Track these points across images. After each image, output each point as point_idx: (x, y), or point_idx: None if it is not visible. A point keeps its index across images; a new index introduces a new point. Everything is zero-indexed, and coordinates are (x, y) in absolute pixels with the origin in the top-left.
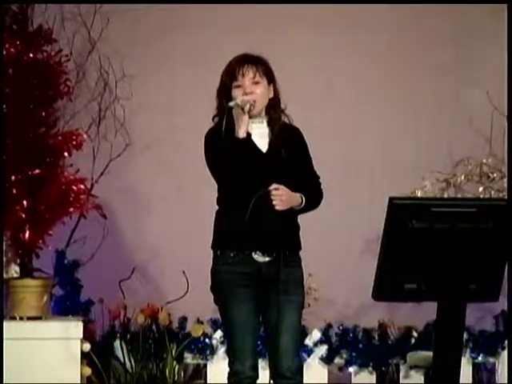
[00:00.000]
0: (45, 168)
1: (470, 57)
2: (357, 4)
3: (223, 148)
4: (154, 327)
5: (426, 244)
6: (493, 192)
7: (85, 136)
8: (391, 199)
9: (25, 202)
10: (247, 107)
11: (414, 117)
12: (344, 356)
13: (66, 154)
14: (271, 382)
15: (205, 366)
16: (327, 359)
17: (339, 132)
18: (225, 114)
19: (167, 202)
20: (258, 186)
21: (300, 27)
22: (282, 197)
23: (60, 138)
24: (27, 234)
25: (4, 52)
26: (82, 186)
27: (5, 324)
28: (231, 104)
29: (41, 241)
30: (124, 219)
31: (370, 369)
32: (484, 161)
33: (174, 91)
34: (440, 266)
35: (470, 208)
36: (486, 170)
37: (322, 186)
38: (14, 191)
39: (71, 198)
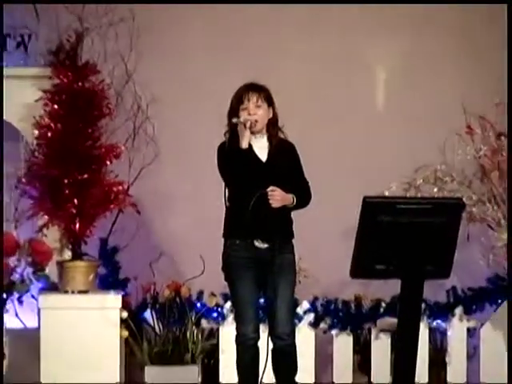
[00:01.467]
0: (91, 173)
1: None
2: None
3: (230, 156)
4: (177, 299)
5: (392, 234)
6: (445, 192)
7: (122, 148)
8: (365, 198)
9: (75, 201)
10: (248, 124)
11: (386, 131)
12: (327, 322)
13: (107, 162)
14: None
15: (217, 329)
16: (314, 324)
17: (326, 144)
18: (229, 129)
19: (187, 201)
20: (258, 188)
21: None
22: (277, 197)
23: (103, 149)
24: (77, 226)
25: (58, 81)
26: (120, 188)
27: (59, 296)
28: (234, 120)
29: (88, 231)
30: (153, 214)
31: (348, 332)
32: (438, 167)
33: (193, 113)
34: (403, 251)
35: (427, 205)
36: (440, 175)
37: (310, 189)
38: (67, 192)
39: (112, 197)
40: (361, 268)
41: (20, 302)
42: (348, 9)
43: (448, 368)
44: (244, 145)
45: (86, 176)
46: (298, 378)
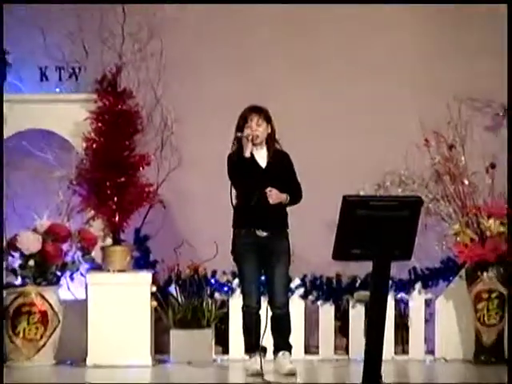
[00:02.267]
0: (127, 177)
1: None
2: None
3: (236, 163)
4: (195, 277)
5: (365, 225)
6: (408, 192)
7: (152, 157)
8: (344, 196)
9: (115, 199)
10: (250, 137)
11: (361, 143)
12: (314, 295)
13: (140, 168)
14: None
15: (227, 300)
16: (304, 297)
17: (313, 153)
18: (236, 141)
19: (203, 199)
20: (259, 188)
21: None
22: (273, 195)
23: (137, 158)
24: (117, 218)
25: (102, 104)
26: (151, 189)
27: (102, 274)
28: (239, 135)
29: (125, 223)
30: (177, 209)
31: (331, 302)
32: (402, 172)
33: (208, 130)
34: (374, 239)
35: (394, 202)
36: (403, 179)
37: (301, 189)
38: (108, 192)
39: (144, 196)
40: (341, 252)
41: (71, 278)
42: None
43: (410, 330)
44: (247, 154)
45: (123, 179)
46: (290, 339)
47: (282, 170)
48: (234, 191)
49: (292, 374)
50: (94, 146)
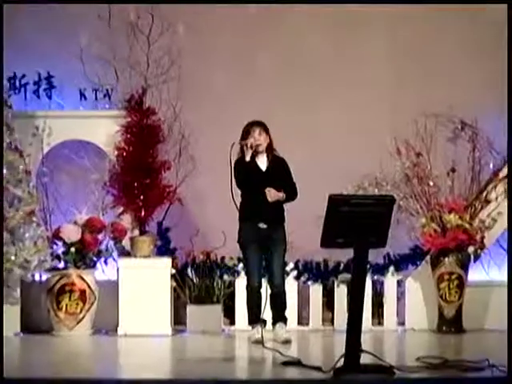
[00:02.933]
0: (151, 179)
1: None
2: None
3: (240, 168)
4: (207, 261)
5: (348, 219)
6: (382, 192)
7: (172, 163)
8: (330, 195)
9: (141, 197)
10: (249, 145)
11: (344, 152)
12: (305, 276)
13: (162, 172)
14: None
15: (234, 281)
16: (297, 278)
17: (303, 159)
18: (241, 150)
19: (214, 197)
20: (260, 188)
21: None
22: (271, 194)
23: (159, 164)
24: (142, 214)
25: (130, 119)
26: (171, 189)
27: (131, 259)
28: (242, 143)
29: (149, 217)
30: (192, 206)
31: (319, 282)
32: (378, 175)
33: (218, 140)
34: (355, 230)
35: (371, 200)
36: (379, 181)
37: (297, 189)
38: (135, 192)
39: (165, 195)
40: (327, 241)
41: (105, 263)
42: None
43: (384, 306)
44: (247, 158)
45: (148, 181)
46: (286, 313)
47: (279, 173)
48: (235, 191)
49: (287, 341)
50: (124, 153)
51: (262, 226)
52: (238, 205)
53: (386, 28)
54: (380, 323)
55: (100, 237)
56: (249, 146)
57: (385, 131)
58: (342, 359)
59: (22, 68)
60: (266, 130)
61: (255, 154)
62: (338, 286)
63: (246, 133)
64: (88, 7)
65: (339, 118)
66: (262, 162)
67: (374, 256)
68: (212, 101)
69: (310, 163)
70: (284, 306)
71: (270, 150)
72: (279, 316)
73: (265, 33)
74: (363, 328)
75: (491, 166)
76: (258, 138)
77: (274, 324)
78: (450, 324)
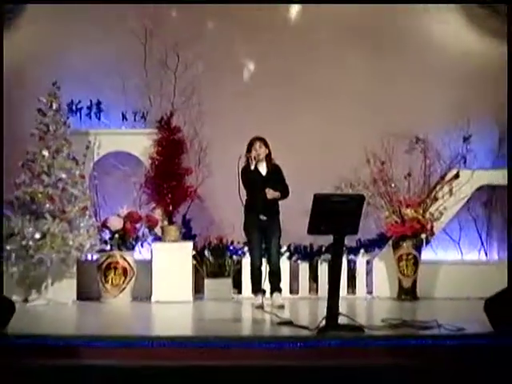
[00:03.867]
0: (177, 182)
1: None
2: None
3: (246, 173)
4: (220, 244)
5: (328, 212)
6: (355, 191)
7: (193, 169)
8: (315, 194)
9: (169, 196)
10: (253, 156)
11: (324, 161)
12: (296, 256)
13: (185, 176)
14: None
15: (241, 260)
16: (289, 258)
17: (292, 165)
18: (246, 160)
19: (226, 196)
20: (261, 189)
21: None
22: (270, 193)
23: (183, 170)
24: (170, 208)
25: (161, 135)
26: (192, 190)
27: (162, 243)
28: (247, 155)
29: (175, 211)
30: (209, 203)
31: (306, 261)
32: (352, 179)
33: (229, 152)
34: (334, 221)
35: (347, 198)
36: (352, 183)
37: (289, 189)
38: (165, 191)
39: (187, 194)
40: (312, 229)
41: (142, 246)
42: None
43: (356, 279)
44: (252, 167)
45: (174, 183)
46: (281, 285)
47: (276, 177)
48: (242, 191)
49: (281, 306)
50: (156, 162)
51: (262, 217)
52: (244, 201)
53: (365, 65)
54: (353, 292)
55: (137, 226)
56: (252, 157)
57: (358, 145)
58: (324, 320)
59: (77, 96)
60: (265, 143)
61: (257, 162)
62: (320, 263)
63: (250, 145)
64: (128, 49)
65: (324, 135)
66: (263, 168)
67: (349, 241)
68: (223, 121)
69: (300, 169)
70: (279, 280)
71: (268, 158)
72: (275, 287)
73: (262, 73)
74: (340, 296)
75: (438, 171)
76: (259, 150)
77: (271, 293)
78: (407, 293)
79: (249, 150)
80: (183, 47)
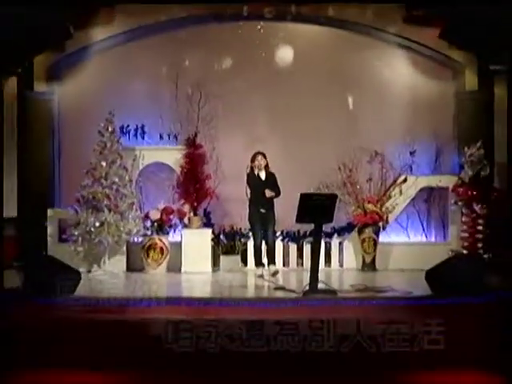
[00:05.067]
0: (200, 185)
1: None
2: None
3: (250, 178)
4: (232, 231)
5: (311, 207)
6: (330, 191)
7: (211, 175)
8: (301, 194)
9: (194, 195)
10: (255, 166)
11: (309, 167)
12: (287, 239)
13: (206, 181)
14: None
15: (247, 242)
16: (282, 240)
17: (283, 170)
18: (251, 168)
19: (236, 195)
20: (261, 189)
21: None
22: (268, 193)
23: (204, 176)
24: (195, 204)
25: (187, 151)
26: (211, 191)
27: (190, 230)
28: (251, 165)
29: (199, 206)
30: (224, 200)
31: (294, 243)
32: (328, 182)
33: (239, 163)
34: (315, 214)
35: (323, 197)
36: (328, 185)
37: (280, 190)
38: (191, 191)
39: (208, 194)
40: (299, 219)
41: (174, 231)
42: None
43: (331, 256)
44: (255, 174)
45: (198, 186)
46: (276, 260)
47: (272, 181)
48: (247, 191)
49: (276, 272)
50: (185, 170)
51: (262, 210)
52: (248, 198)
53: (338, 98)
54: (329, 265)
55: (171, 217)
56: (255, 166)
57: (332, 157)
58: (308, 286)
59: (127, 121)
60: (264, 156)
61: (259, 170)
62: (305, 244)
63: (253, 158)
64: (164, 87)
65: (308, 149)
66: (263, 175)
67: (326, 228)
68: (234, 139)
69: (290, 175)
70: (274, 256)
71: (267, 167)
72: (272, 261)
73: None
74: (319, 268)
75: (392, 177)
76: (260, 161)
77: (268, 265)
78: (369, 266)
79: (252, 161)
80: (203, 85)
